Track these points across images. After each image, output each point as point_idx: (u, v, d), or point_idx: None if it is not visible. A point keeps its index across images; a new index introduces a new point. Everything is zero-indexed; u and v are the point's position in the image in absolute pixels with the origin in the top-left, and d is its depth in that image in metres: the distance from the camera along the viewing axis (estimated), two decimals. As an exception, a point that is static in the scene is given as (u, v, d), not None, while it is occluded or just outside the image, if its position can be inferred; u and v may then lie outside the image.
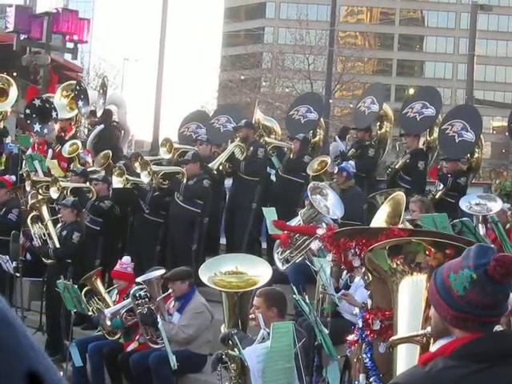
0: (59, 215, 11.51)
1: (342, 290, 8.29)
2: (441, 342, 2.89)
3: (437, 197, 11.54)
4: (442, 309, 2.79)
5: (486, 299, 2.68)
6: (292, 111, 14.24)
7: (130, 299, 8.88)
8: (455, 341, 2.75)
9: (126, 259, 9.85)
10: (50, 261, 11.14)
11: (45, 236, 11.46)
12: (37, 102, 15.37)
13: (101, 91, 15.63)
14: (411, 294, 3.62)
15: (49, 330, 11.09)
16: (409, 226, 6.10)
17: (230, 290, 6.09)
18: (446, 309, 2.76)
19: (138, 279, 8.79)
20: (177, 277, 8.72)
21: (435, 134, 12.81)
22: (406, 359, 3.51)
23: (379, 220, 4.91)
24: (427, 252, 3.61)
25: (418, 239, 3.71)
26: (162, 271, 8.74)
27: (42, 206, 11.84)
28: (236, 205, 12.29)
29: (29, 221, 11.68)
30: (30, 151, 14.42)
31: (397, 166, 12.22)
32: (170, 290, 8.62)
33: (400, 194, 5.26)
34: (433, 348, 2.98)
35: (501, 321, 2.97)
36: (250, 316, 6.19)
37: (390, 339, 3.66)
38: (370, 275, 4.17)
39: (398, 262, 3.62)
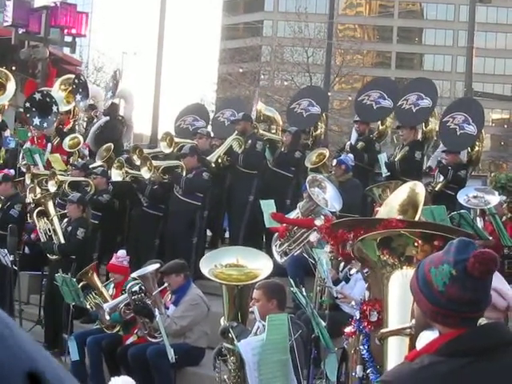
0: (65, 211, 11.47)
1: (342, 282, 8.30)
2: (425, 337, 2.87)
3: (437, 189, 11.54)
4: (422, 303, 2.77)
5: (466, 295, 2.65)
6: (293, 104, 14.20)
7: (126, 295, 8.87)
8: (440, 338, 2.73)
9: (122, 253, 9.84)
10: (54, 256, 11.11)
11: (50, 231, 11.43)
12: (37, 96, 15.32)
13: (110, 84, 15.60)
14: (401, 287, 3.60)
15: (47, 323, 11.10)
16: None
17: (231, 282, 6.06)
18: (426, 303, 2.74)
19: (133, 274, 8.74)
20: (171, 270, 8.71)
21: (431, 125, 12.78)
22: (395, 351, 3.50)
23: (390, 208, 4.53)
24: (415, 244, 3.58)
25: (406, 231, 3.67)
26: (156, 265, 8.68)
27: (47, 201, 11.77)
28: (233, 198, 12.31)
29: (35, 216, 11.63)
30: (28, 144, 14.37)
31: (396, 159, 12.21)
32: (166, 284, 8.61)
33: (418, 184, 4.65)
34: (417, 343, 2.96)
35: (495, 316, 2.94)
36: (250, 309, 6.18)
37: (380, 332, 3.65)
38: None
39: (387, 256, 3.60)
